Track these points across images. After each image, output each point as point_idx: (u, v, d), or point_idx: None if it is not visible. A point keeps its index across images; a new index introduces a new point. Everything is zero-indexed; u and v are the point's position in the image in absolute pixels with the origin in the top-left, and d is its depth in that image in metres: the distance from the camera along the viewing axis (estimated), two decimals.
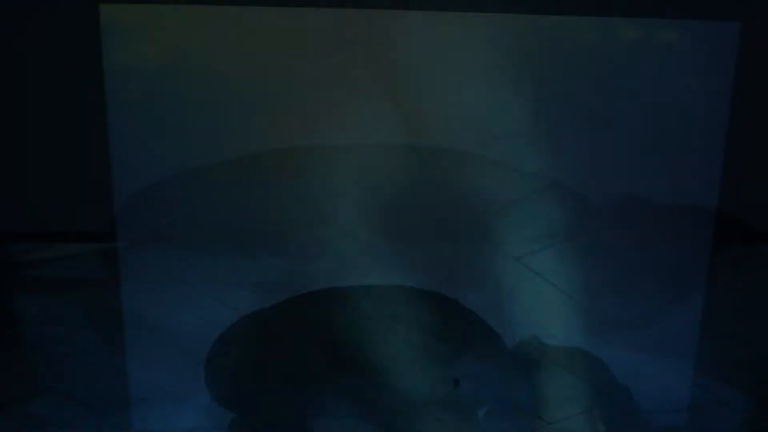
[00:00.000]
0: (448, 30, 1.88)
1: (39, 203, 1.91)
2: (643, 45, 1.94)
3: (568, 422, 1.87)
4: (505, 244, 2.03)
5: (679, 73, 1.97)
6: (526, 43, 1.93)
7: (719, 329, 1.95)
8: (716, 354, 1.91)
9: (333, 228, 1.98)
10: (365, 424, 1.65)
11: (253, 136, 1.95)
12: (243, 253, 2.01)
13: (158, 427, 1.66)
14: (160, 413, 1.69)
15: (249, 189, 1.99)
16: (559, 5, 1.90)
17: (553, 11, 1.90)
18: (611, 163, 2.03)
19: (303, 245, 2.02)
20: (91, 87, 1.84)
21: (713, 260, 2.08)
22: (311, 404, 1.71)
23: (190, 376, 1.77)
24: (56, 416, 1.62)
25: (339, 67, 1.91)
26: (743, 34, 1.92)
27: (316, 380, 1.75)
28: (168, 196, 1.98)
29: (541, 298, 2.02)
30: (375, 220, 1.98)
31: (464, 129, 1.96)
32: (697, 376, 1.89)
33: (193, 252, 2.03)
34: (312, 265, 2.03)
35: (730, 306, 2.02)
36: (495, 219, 2.00)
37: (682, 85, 1.97)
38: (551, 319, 1.98)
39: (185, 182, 1.99)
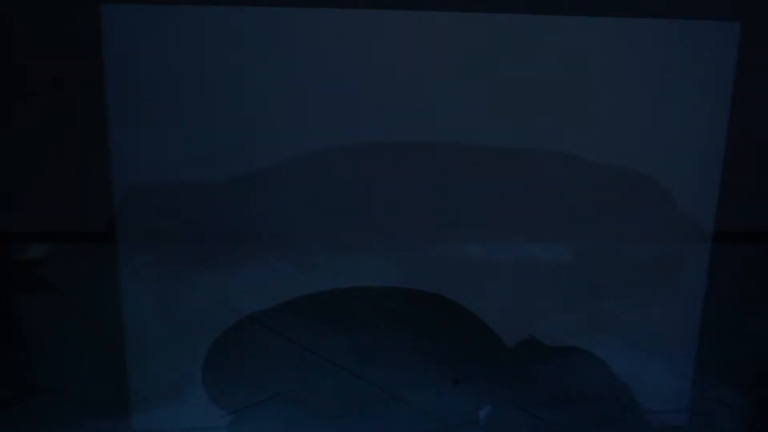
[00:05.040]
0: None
1: (39, 203, 1.92)
2: (643, 45, 1.94)
3: (567, 422, 1.87)
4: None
5: (680, 73, 1.97)
6: (526, 42, 1.93)
7: (719, 329, 1.95)
8: (716, 354, 1.91)
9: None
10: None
11: (255, 136, 1.95)
12: (245, 253, 2.01)
13: (158, 427, 1.66)
14: (160, 413, 1.68)
15: (252, 187, 2.00)
16: (559, 5, 1.90)
17: (553, 11, 1.90)
18: (611, 162, 2.03)
19: (308, 247, 2.02)
20: (92, 87, 1.84)
21: (713, 260, 2.08)
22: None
23: (190, 375, 1.77)
24: (56, 416, 1.61)
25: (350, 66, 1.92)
26: (743, 34, 1.93)
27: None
28: (168, 196, 1.99)
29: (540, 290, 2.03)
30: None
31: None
32: (697, 376, 1.89)
33: (192, 251, 2.03)
34: (315, 265, 2.03)
35: (730, 306, 2.02)
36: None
37: (683, 84, 1.98)
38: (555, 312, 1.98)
39: (185, 182, 1.99)
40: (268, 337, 1.85)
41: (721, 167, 2.01)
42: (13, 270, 1.97)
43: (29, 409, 1.61)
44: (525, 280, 2.08)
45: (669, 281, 2.11)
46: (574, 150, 2.03)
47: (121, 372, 1.78)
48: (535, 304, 2.00)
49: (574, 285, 2.08)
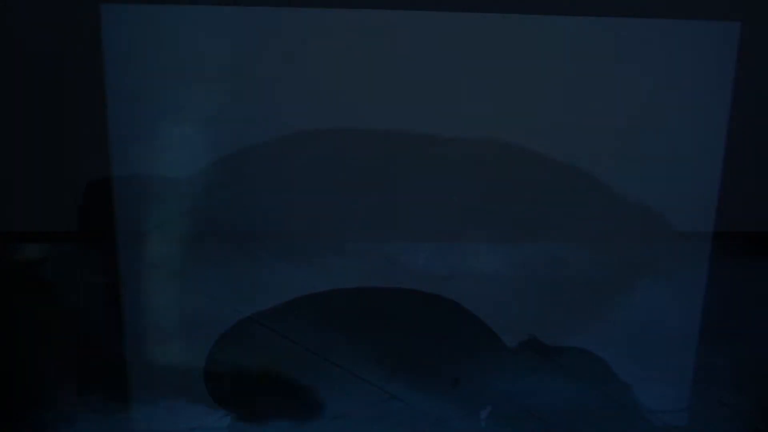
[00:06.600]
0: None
1: (39, 203, 1.92)
2: (643, 45, 1.94)
3: (566, 422, 1.87)
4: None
5: (680, 73, 1.97)
6: (527, 42, 1.93)
7: (719, 329, 1.95)
8: (716, 354, 1.91)
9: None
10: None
11: (256, 135, 1.96)
12: (245, 253, 2.01)
13: (158, 427, 1.66)
14: (160, 413, 1.69)
15: (252, 187, 2.00)
16: (559, 5, 1.90)
17: (554, 11, 1.90)
18: (611, 162, 2.04)
19: (308, 247, 2.02)
20: (92, 86, 1.84)
21: (713, 260, 2.08)
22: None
23: (190, 375, 1.77)
24: (56, 416, 1.62)
25: (341, 63, 1.92)
26: (743, 34, 1.93)
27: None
28: (167, 195, 1.99)
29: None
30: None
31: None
32: (697, 376, 1.89)
33: (193, 251, 2.03)
34: (316, 266, 2.03)
35: (730, 306, 2.02)
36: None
37: (683, 85, 1.98)
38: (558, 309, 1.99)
39: (184, 181, 2.00)
40: (268, 337, 1.85)
41: (721, 167, 2.02)
42: (12, 270, 1.97)
43: (28, 409, 1.61)
44: (528, 282, 2.08)
45: (668, 282, 2.11)
46: (572, 150, 2.03)
47: (121, 372, 1.78)
48: (536, 306, 2.00)
49: (575, 285, 2.08)
